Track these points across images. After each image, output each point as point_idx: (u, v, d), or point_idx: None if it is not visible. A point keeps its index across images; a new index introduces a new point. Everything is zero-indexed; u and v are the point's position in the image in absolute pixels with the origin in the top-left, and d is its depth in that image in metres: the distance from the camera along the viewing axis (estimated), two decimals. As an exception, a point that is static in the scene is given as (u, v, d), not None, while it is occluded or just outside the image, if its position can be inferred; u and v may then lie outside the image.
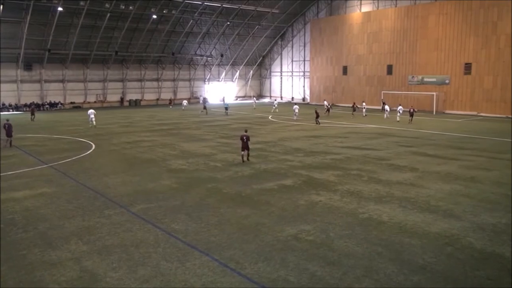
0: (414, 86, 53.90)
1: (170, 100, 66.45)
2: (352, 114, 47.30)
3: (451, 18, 49.52)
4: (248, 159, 21.79)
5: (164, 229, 12.42)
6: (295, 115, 42.35)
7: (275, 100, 60.68)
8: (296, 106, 43.45)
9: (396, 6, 56.30)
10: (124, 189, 16.74)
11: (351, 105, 50.89)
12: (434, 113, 48.44)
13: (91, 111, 39.05)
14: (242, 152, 21.71)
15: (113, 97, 65.35)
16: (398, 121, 40.09)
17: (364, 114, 47.53)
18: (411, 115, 40.19)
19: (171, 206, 14.51)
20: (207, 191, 16.45)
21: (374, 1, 59.50)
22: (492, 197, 15.33)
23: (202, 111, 49.11)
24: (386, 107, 45.46)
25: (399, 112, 41.28)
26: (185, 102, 59.26)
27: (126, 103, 65.86)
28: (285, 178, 18.25)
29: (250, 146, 22.57)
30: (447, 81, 50.68)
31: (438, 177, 18.31)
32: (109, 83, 64.34)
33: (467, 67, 48.72)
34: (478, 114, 47.24)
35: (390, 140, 29.43)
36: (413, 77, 53.92)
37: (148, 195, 15.80)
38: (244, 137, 21.62)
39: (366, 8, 60.48)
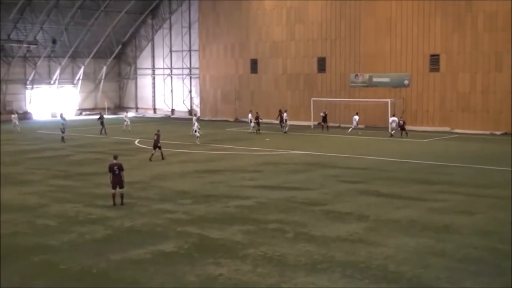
0: (359, 90, 56.77)
1: None
2: (258, 131, 49.81)
3: (407, -13, 53.34)
4: (122, 201, 22.73)
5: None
6: (198, 137, 43.52)
7: (195, 116, 55.39)
8: (195, 122, 45.09)
9: (327, -31, 59.25)
10: None
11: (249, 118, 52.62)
12: (390, 130, 51.13)
13: None
14: (113, 190, 22.69)
15: None
16: (392, 135, 47.07)
17: (284, 130, 49.11)
18: (402, 128, 46.90)
19: (-32, 298, 13.76)
20: (33, 267, 15.88)
21: (295, -40, 62.14)
22: (475, 253, 16.44)
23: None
24: (356, 117, 49.47)
25: (392, 125, 46.40)
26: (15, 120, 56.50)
27: None
28: (163, 241, 18.10)
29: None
30: (406, 82, 54.08)
31: (398, 228, 19.28)
32: None
33: (434, 61, 52.49)
34: (452, 131, 50.83)
35: (327, 173, 30.50)
36: (357, 76, 56.82)
37: None
38: (115, 167, 22.45)
39: (283, -30, 62.90)
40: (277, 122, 54.24)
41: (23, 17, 66.78)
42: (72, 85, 76.95)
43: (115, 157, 23.44)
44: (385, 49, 54.78)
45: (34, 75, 72.67)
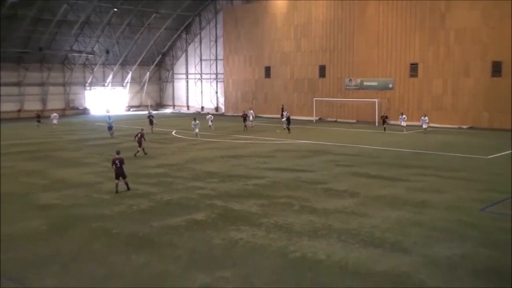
0: (353, 92, 56.59)
1: (38, 115, 55.93)
2: (245, 127, 47.58)
3: (393, 6, 52.73)
4: (127, 188, 21.85)
5: None
6: (197, 134, 40.94)
7: (208, 114, 51.74)
8: (194, 122, 41.44)
9: (327, -7, 58.89)
10: (-29, 235, 15.70)
11: (242, 115, 50.20)
12: (377, 124, 51.14)
13: None
14: (116, 181, 21.78)
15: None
16: (424, 132, 44.17)
17: (284, 127, 46.87)
18: (384, 121, 46.71)
19: (39, 256, 13.92)
20: (90, 233, 16.05)
21: (301, -14, 61.85)
22: (446, 224, 16.48)
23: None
24: (425, 119, 44.78)
25: (423, 125, 44.45)
26: (55, 118, 52.38)
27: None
28: (195, 211, 18.26)
29: (126, 172, 22.21)
30: (390, 86, 53.85)
31: (384, 203, 19.32)
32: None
33: (413, 68, 52.13)
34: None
35: (326, 158, 30.54)
36: (350, 80, 56.67)
37: (6, 243, 14.99)
38: (117, 161, 21.67)
39: (291, -6, 62.66)
40: (281, 118, 53.92)
41: (83, 32, 67.10)
42: (122, 87, 77.45)
43: (118, 152, 22.35)
44: (374, 58, 54.44)
45: (91, 79, 73.23)
